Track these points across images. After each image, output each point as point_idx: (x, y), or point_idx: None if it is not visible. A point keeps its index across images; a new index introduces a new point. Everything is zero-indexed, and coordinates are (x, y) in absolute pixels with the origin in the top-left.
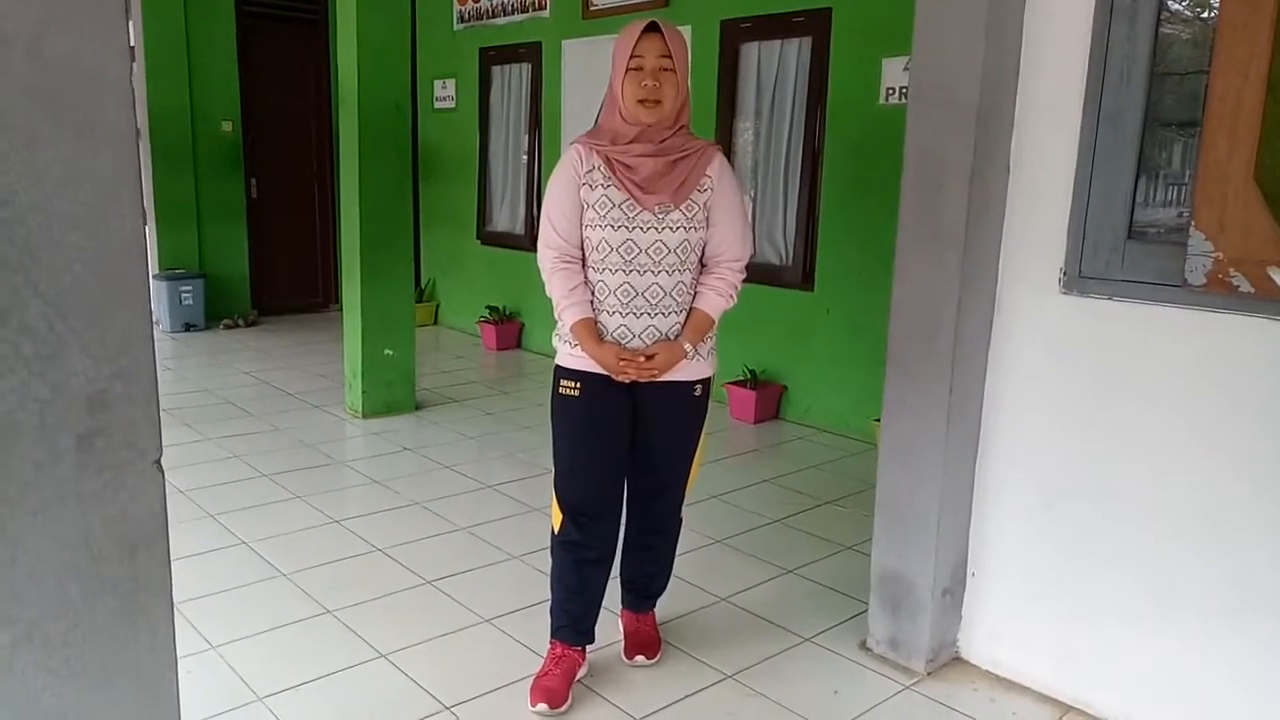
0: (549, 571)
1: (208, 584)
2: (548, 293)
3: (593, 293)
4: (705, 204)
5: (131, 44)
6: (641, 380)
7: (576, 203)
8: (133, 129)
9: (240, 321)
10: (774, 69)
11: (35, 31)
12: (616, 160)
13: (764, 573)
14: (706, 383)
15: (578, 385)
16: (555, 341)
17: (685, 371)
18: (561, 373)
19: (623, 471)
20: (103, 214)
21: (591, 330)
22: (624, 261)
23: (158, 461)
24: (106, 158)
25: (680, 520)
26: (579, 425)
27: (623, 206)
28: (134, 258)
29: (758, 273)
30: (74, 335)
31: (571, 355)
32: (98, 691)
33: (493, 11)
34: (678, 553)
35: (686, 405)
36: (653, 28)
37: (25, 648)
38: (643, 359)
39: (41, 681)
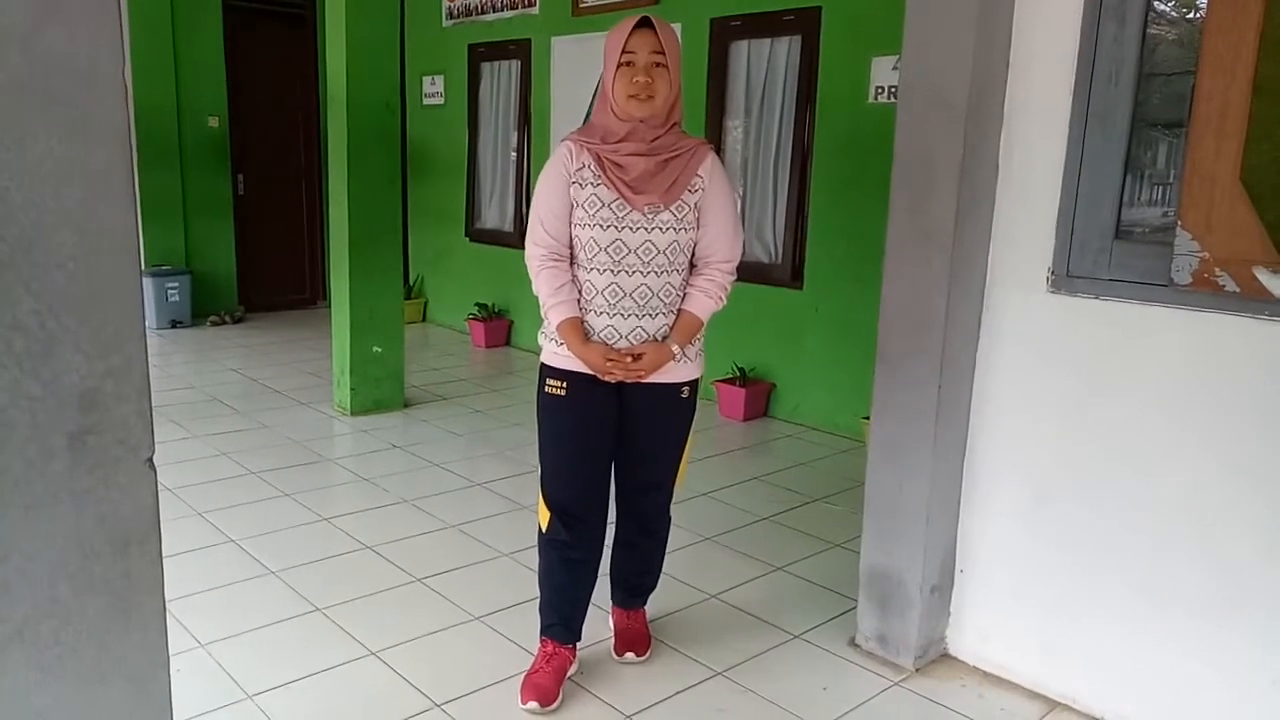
0: (537, 569)
1: (196, 582)
2: (535, 290)
3: (580, 292)
4: (696, 204)
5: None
6: (628, 381)
7: (566, 201)
8: (126, 126)
9: (227, 318)
10: (764, 67)
11: (30, 26)
12: (607, 159)
13: (753, 570)
14: (694, 384)
15: (563, 384)
16: (541, 339)
17: (673, 373)
18: (547, 371)
19: (609, 471)
20: (95, 211)
21: (578, 329)
22: (612, 261)
23: (149, 459)
24: (99, 155)
25: (669, 519)
26: (565, 425)
27: (612, 206)
28: (126, 255)
29: (747, 271)
30: (66, 333)
31: (557, 354)
32: (89, 689)
33: (482, 8)
34: (667, 550)
35: (674, 407)
36: (645, 23)
37: (17, 645)
38: (629, 359)
39: (33, 679)
